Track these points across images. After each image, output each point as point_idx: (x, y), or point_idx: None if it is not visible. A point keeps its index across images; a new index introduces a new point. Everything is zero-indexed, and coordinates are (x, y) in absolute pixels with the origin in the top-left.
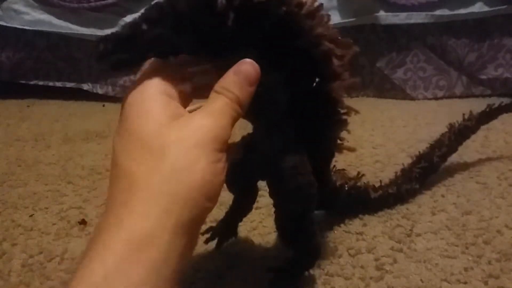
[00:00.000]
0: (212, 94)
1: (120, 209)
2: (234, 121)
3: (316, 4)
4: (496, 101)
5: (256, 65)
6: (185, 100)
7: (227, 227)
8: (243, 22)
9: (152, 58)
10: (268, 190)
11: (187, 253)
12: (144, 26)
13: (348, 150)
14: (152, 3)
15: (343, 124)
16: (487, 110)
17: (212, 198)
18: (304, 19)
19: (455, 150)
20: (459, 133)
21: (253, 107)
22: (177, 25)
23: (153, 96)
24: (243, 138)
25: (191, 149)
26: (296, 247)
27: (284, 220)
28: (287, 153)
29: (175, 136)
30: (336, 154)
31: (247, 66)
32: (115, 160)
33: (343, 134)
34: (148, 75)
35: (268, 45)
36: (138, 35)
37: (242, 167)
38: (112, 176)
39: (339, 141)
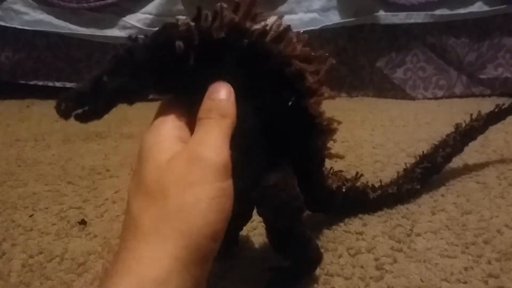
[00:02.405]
0: (197, 123)
1: (128, 255)
2: (228, 135)
3: (282, 27)
4: (496, 100)
5: (224, 82)
6: None
7: (227, 236)
8: (206, 58)
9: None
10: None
11: None
12: (105, 78)
13: (337, 157)
14: (111, 55)
15: (327, 133)
16: (496, 110)
17: (216, 239)
18: (270, 45)
19: (460, 151)
20: (465, 134)
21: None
22: (137, 72)
23: (162, 142)
24: None
25: (189, 190)
26: (292, 258)
27: (275, 235)
28: (268, 171)
29: (172, 177)
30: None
31: (217, 85)
32: (127, 206)
33: (344, 134)
34: (161, 118)
35: (237, 74)
36: (100, 87)
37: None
38: (124, 221)
39: (328, 149)
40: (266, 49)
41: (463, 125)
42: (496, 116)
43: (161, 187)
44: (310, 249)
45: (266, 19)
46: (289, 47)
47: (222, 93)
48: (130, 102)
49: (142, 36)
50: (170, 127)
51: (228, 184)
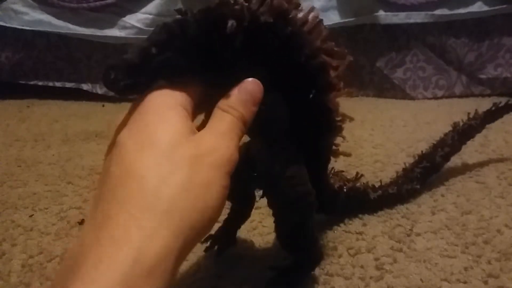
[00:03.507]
0: (218, 112)
1: (129, 221)
2: (239, 141)
3: (317, 20)
4: (495, 100)
5: (260, 84)
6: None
7: (226, 235)
8: (250, 43)
9: None
10: (266, 199)
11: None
12: (154, 50)
13: (344, 155)
14: (160, 24)
15: (338, 130)
16: (493, 108)
17: (213, 222)
18: (306, 35)
19: (458, 149)
20: (463, 133)
21: (256, 124)
22: (187, 48)
23: (174, 106)
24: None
25: (208, 169)
26: (297, 254)
27: (285, 229)
28: (287, 165)
29: (194, 152)
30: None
31: (252, 85)
32: (123, 158)
33: (344, 134)
34: (167, 85)
35: (269, 63)
36: (147, 60)
37: (240, 178)
38: (114, 178)
39: (334, 147)
40: (302, 39)
41: (461, 124)
42: (493, 115)
43: (180, 156)
44: (316, 247)
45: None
46: (319, 40)
47: (253, 94)
48: (172, 79)
49: (192, 10)
50: (177, 94)
51: (229, 180)
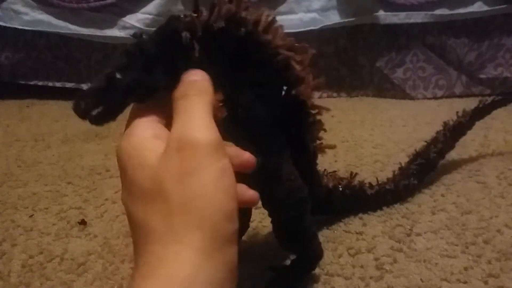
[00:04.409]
0: (175, 103)
1: (149, 259)
2: (210, 111)
3: (270, 18)
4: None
5: (196, 69)
6: None
7: None
8: (208, 50)
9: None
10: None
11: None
12: (118, 75)
13: (328, 148)
14: (120, 52)
15: (318, 125)
16: (480, 105)
17: (231, 219)
18: (261, 35)
19: (452, 146)
20: (454, 130)
21: (239, 129)
22: (147, 65)
23: (140, 143)
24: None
25: (189, 179)
26: (297, 251)
27: (282, 227)
28: (281, 157)
29: (169, 172)
30: (336, 155)
31: (190, 71)
32: (128, 217)
33: (344, 134)
34: (133, 119)
35: (232, 66)
36: (113, 84)
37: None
38: (132, 233)
39: (318, 141)
40: (258, 38)
41: (451, 122)
42: (481, 112)
43: (158, 185)
44: (315, 243)
45: (256, 10)
46: (276, 37)
47: (196, 75)
48: (142, 99)
49: (146, 32)
50: (143, 128)
51: (226, 162)
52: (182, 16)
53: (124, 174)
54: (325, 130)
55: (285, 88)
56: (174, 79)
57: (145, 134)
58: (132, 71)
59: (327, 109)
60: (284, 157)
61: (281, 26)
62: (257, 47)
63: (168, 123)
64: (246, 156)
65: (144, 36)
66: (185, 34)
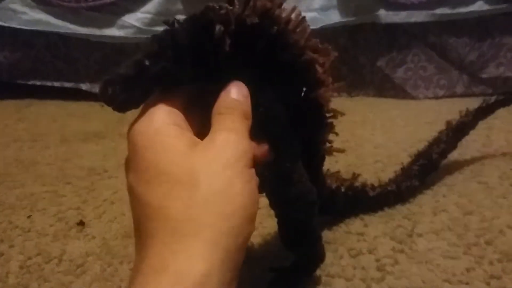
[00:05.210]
0: (216, 117)
1: (162, 249)
2: (247, 134)
3: (300, 17)
4: None
5: (241, 83)
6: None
7: None
8: (238, 45)
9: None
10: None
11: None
12: (147, 62)
13: (338, 152)
14: (150, 37)
15: (330, 127)
16: (484, 105)
17: (253, 220)
18: (291, 34)
19: (454, 147)
20: (457, 130)
21: (258, 128)
22: (178, 56)
23: (164, 128)
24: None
25: (222, 171)
26: (300, 253)
27: (288, 229)
28: (296, 160)
29: (202, 161)
30: (337, 155)
31: (237, 85)
32: (139, 200)
33: (344, 134)
34: (153, 106)
35: (259, 64)
36: (142, 72)
37: None
38: (141, 217)
39: (328, 144)
40: (288, 38)
41: (454, 122)
42: (484, 111)
43: (189, 171)
44: (319, 246)
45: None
46: (304, 37)
47: (238, 94)
48: (167, 88)
49: (178, 19)
50: (164, 114)
51: (253, 171)
52: (217, 7)
53: (139, 157)
54: (336, 134)
55: (304, 89)
56: (201, 73)
57: (166, 120)
58: (162, 60)
59: (342, 114)
60: (298, 159)
61: (308, 26)
62: (285, 46)
63: (185, 115)
64: (266, 148)
65: (176, 25)
66: (219, 28)
